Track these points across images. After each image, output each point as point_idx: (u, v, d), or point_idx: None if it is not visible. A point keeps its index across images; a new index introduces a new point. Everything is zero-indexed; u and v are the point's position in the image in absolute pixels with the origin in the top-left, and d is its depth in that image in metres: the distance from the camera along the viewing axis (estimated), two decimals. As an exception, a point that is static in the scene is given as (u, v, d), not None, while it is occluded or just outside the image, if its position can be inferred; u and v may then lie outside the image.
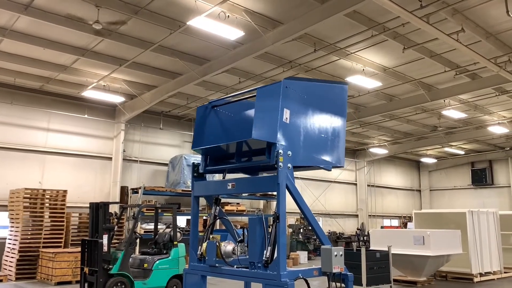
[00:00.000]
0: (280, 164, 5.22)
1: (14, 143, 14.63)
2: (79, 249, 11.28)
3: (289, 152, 5.35)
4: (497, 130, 20.37)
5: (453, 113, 17.88)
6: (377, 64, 13.49)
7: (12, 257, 12.49)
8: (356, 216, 26.59)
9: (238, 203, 18.74)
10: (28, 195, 12.80)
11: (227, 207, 17.76)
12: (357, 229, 24.57)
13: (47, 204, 13.13)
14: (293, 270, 5.19)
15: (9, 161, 14.49)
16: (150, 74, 13.94)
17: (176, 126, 18.96)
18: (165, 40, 11.31)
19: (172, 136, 18.84)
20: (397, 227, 27.10)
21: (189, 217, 16.82)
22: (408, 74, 14.43)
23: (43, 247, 12.60)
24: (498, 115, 19.39)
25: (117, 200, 15.91)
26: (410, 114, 19.00)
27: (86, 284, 9.19)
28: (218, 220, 6.60)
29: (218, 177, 15.69)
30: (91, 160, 16.36)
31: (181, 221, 17.34)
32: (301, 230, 20.28)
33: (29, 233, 12.62)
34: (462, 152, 27.74)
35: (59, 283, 11.50)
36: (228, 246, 5.73)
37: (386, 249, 11.21)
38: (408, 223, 25.84)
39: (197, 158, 6.17)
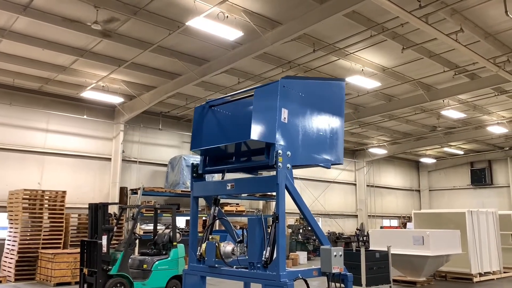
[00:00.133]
0: (280, 164, 5.21)
1: (13, 144, 14.62)
2: (78, 250, 11.27)
3: (288, 153, 5.35)
4: (496, 130, 20.39)
5: (452, 113, 17.88)
6: (376, 64, 13.49)
7: (11, 258, 12.47)
8: (356, 216, 26.59)
9: (237, 204, 18.73)
10: (27, 196, 12.78)
11: (226, 208, 17.75)
12: (357, 229, 24.57)
13: (46, 205, 13.11)
14: (292, 271, 5.18)
15: (8, 162, 14.47)
16: (149, 74, 13.94)
17: (175, 126, 18.95)
18: (164, 41, 11.31)
19: (171, 137, 18.83)
20: (396, 227, 27.11)
21: (188, 218, 16.81)
22: (407, 74, 14.43)
23: (42, 248, 12.58)
24: (497, 115, 19.40)
25: (116, 201, 15.90)
26: (409, 114, 19.01)
27: (85, 285, 9.18)
28: (217, 221, 6.59)
29: (217, 177, 15.68)
30: (90, 161, 16.35)
31: (181, 221, 17.33)
32: (301, 231, 20.27)
33: (28, 234, 12.60)
34: (461, 152, 27.76)
35: (58, 284, 11.48)
36: (227, 247, 5.73)
37: (386, 249, 11.21)
38: (408, 223, 25.84)
39: (196, 159, 6.16)
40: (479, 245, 12.59)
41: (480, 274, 12.48)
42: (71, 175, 15.82)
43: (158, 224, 11.49)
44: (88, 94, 14.71)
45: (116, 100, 15.34)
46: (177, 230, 10.44)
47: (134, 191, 16.23)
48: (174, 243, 10.12)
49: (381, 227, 26.16)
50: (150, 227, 14.71)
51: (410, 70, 14.04)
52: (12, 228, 12.95)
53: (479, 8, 10.05)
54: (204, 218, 16.43)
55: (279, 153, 5.24)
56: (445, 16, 10.10)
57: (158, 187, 16.92)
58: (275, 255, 5.14)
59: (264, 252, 5.22)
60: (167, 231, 10.49)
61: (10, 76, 13.91)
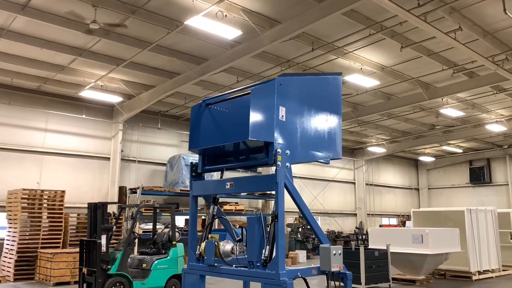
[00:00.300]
0: (279, 163, 5.21)
1: (12, 143, 14.60)
2: (77, 249, 11.27)
3: (288, 151, 5.35)
4: (495, 128, 20.40)
5: (451, 112, 17.89)
6: (375, 63, 13.50)
7: (10, 258, 12.46)
8: (355, 215, 26.61)
9: (236, 203, 18.74)
10: (26, 196, 12.76)
11: (225, 207, 17.75)
12: (356, 228, 24.59)
13: (45, 205, 13.09)
14: (292, 269, 5.18)
15: (7, 162, 14.45)
16: (147, 74, 13.92)
17: (174, 125, 18.94)
18: (163, 40, 11.30)
19: (170, 136, 18.82)
20: (395, 226, 27.14)
21: (187, 217, 16.80)
22: (406, 73, 14.44)
23: (42, 247, 12.56)
24: (496, 113, 19.42)
25: (116, 200, 15.89)
26: (408, 113, 19.02)
27: (84, 285, 9.17)
28: (216, 220, 6.58)
29: (216, 176, 15.68)
30: (89, 160, 16.33)
31: (180, 221, 17.32)
32: (300, 229, 20.28)
33: (27, 234, 12.59)
34: (460, 151, 27.78)
35: (57, 284, 11.47)
36: (226, 246, 5.72)
37: (385, 247, 11.25)
38: (407, 222, 25.90)
39: (195, 158, 6.15)
40: (478, 243, 12.61)
41: (479, 272, 12.51)
42: (70, 174, 15.80)
43: (157, 223, 11.48)
44: (86, 94, 14.70)
45: (115, 99, 15.33)
46: (176, 229, 10.43)
47: (133, 191, 16.23)
48: (174, 242, 10.12)
49: (380, 226, 26.20)
50: (149, 226, 14.70)
51: (409, 69, 14.05)
52: (11, 228, 12.93)
53: (478, 6, 10.05)
54: (203, 217, 16.43)
55: (278, 152, 5.23)
56: (444, 14, 10.10)
57: (157, 187, 16.92)
58: (274, 254, 5.13)
59: (264, 251, 5.21)
60: (166, 230, 10.48)
61: (9, 75, 13.89)
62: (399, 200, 29.84)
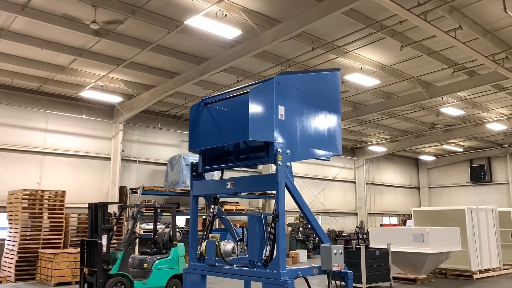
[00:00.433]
0: (279, 163, 5.20)
1: (12, 144, 14.60)
2: (78, 249, 11.27)
3: (288, 151, 5.34)
4: (496, 127, 20.38)
5: (451, 111, 17.88)
6: (375, 62, 13.49)
7: (11, 258, 12.47)
8: (355, 214, 26.61)
9: (237, 202, 18.74)
10: (27, 196, 12.77)
11: (226, 207, 17.75)
12: (356, 227, 24.58)
13: (45, 205, 13.10)
14: (292, 269, 5.18)
15: (7, 162, 14.46)
16: (148, 73, 13.92)
17: (175, 125, 18.94)
18: (163, 40, 11.30)
19: (171, 136, 18.82)
20: (396, 225, 27.14)
21: (188, 217, 16.80)
22: (406, 72, 14.43)
23: (42, 248, 12.57)
24: (496, 112, 19.41)
25: (116, 200, 15.90)
26: (409, 112, 19.01)
27: (85, 285, 9.17)
28: (217, 220, 6.58)
29: (217, 175, 15.68)
30: (89, 161, 16.34)
31: (181, 220, 17.33)
32: (301, 229, 20.28)
33: (28, 234, 12.60)
34: (461, 150, 27.77)
35: (58, 284, 11.48)
36: (227, 245, 5.72)
37: (386, 247, 11.25)
38: (407, 221, 25.91)
39: (196, 158, 6.15)
40: (479, 242, 12.61)
41: (480, 271, 12.50)
42: (70, 175, 15.81)
43: (158, 223, 11.49)
44: (87, 94, 14.70)
45: (115, 99, 15.32)
46: (177, 229, 10.43)
47: (134, 191, 16.23)
48: (174, 242, 10.12)
49: (381, 225, 26.19)
50: (150, 226, 14.71)
51: (409, 68, 14.04)
52: (12, 228, 12.95)
53: (478, 5, 10.05)
54: (204, 217, 16.44)
55: (279, 151, 5.23)
56: (444, 13, 10.10)
57: (157, 186, 16.92)
58: (275, 254, 5.13)
59: (264, 250, 5.21)
60: (167, 230, 10.49)
61: (9, 76, 13.89)
62: (399, 199, 29.84)
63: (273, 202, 20.00)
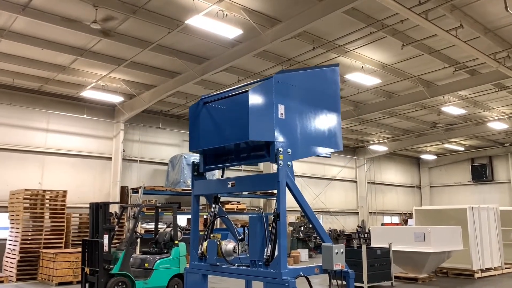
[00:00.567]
0: (280, 162, 5.20)
1: (13, 144, 14.62)
2: (79, 249, 11.28)
3: (289, 150, 5.33)
4: (497, 126, 20.36)
5: (453, 110, 17.86)
6: (376, 61, 13.48)
7: (13, 258, 12.49)
8: (357, 213, 26.60)
9: (238, 202, 18.74)
10: (28, 196, 12.79)
11: (227, 206, 17.76)
12: (358, 226, 24.58)
13: (47, 205, 13.12)
14: (294, 268, 5.18)
15: (8, 162, 14.47)
16: (148, 73, 13.93)
17: (176, 125, 18.94)
18: (164, 39, 11.30)
19: (172, 136, 18.82)
20: (397, 224, 27.12)
21: (189, 216, 16.81)
22: (407, 71, 14.42)
23: (44, 247, 12.59)
24: (498, 111, 19.38)
25: (117, 200, 15.90)
26: (410, 111, 18.99)
27: (87, 284, 9.18)
28: (218, 219, 6.58)
29: (218, 174, 15.69)
30: (90, 160, 16.35)
31: (182, 220, 17.33)
32: (302, 228, 20.27)
33: (30, 234, 12.61)
34: (462, 149, 27.74)
35: (60, 284, 11.49)
36: (229, 245, 5.72)
37: (387, 246, 11.24)
38: (409, 220, 25.85)
39: (197, 157, 6.15)
40: (480, 241, 12.59)
41: (482, 270, 12.49)
42: (71, 174, 15.82)
43: (159, 223, 11.49)
44: (88, 94, 14.71)
45: (116, 99, 15.33)
46: (178, 229, 10.44)
47: (135, 190, 16.24)
48: (176, 242, 10.13)
49: (382, 224, 26.17)
50: (151, 226, 14.72)
51: (410, 67, 14.02)
52: (13, 228, 12.96)
53: (479, 4, 10.03)
54: (205, 216, 16.44)
55: (280, 150, 5.22)
56: (445, 12, 10.08)
57: (158, 186, 16.93)
58: (276, 253, 5.13)
59: (266, 250, 5.21)
60: (168, 229, 10.49)
61: (10, 76, 13.90)
62: (401, 198, 29.81)
63: (274, 201, 19.99)
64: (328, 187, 24.95)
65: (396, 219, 29.02)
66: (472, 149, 28.09)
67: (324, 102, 6.06)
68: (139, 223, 14.61)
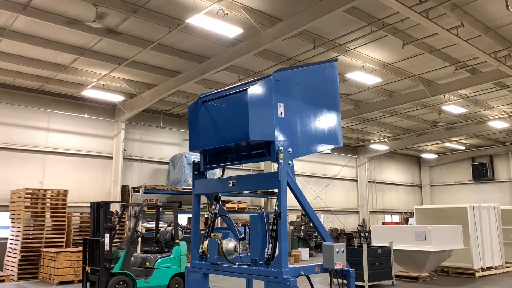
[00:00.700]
0: (281, 161, 5.19)
1: (14, 143, 14.63)
2: (80, 248, 11.29)
3: (290, 149, 5.33)
4: (498, 125, 20.35)
5: (453, 108, 17.86)
6: (376, 60, 13.47)
7: (14, 257, 12.51)
8: (357, 212, 26.60)
9: (239, 201, 18.75)
10: (29, 195, 12.81)
11: (228, 205, 17.76)
12: (358, 225, 24.58)
13: (48, 204, 13.13)
14: (295, 267, 5.18)
15: (9, 162, 14.49)
16: (149, 72, 13.93)
17: (176, 124, 18.95)
18: (164, 39, 11.29)
19: (172, 135, 18.83)
20: (398, 223, 27.12)
21: (190, 215, 16.82)
22: (408, 70, 14.41)
23: (45, 247, 12.61)
24: (498, 110, 19.37)
25: (118, 199, 15.92)
26: (410, 110, 18.98)
27: (88, 284, 9.20)
28: (219, 218, 6.58)
29: (219, 173, 15.69)
30: (91, 160, 16.36)
31: (183, 219, 17.35)
32: (303, 227, 20.29)
33: (31, 233, 12.63)
34: (463, 147, 27.73)
35: (61, 283, 11.52)
36: (229, 244, 5.72)
37: (388, 245, 11.24)
38: (409, 219, 25.85)
39: (198, 156, 6.14)
40: (481, 240, 12.59)
41: (482, 269, 12.49)
42: (72, 174, 15.83)
43: (160, 222, 11.50)
44: (88, 93, 14.71)
45: (117, 98, 15.34)
46: (179, 228, 10.45)
47: (136, 189, 16.25)
48: (176, 241, 10.14)
49: (383, 223, 26.17)
50: (152, 225, 14.71)
51: (410, 66, 14.02)
52: (14, 227, 12.98)
53: (480, 2, 10.02)
54: (206, 215, 16.44)
55: (280, 149, 5.22)
56: (446, 11, 10.07)
57: (159, 185, 16.94)
58: (277, 252, 5.13)
59: (266, 249, 5.21)
60: (169, 229, 10.50)
61: (11, 75, 13.91)
62: (401, 197, 29.81)
63: (275, 200, 19.99)
64: (328, 186, 24.95)
65: (396, 218, 29.02)
66: (472, 148, 28.08)
67: (324, 98, 6.04)
68: (140, 222, 14.62)
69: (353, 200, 26.64)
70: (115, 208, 14.34)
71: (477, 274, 12.22)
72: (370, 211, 26.86)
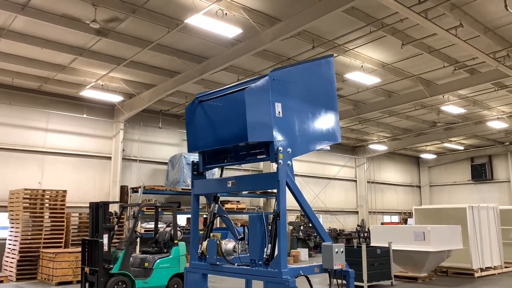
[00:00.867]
0: (280, 161, 5.19)
1: (13, 143, 14.60)
2: (79, 249, 11.27)
3: (289, 149, 5.32)
4: (496, 125, 20.37)
5: (452, 109, 17.87)
6: (375, 60, 13.47)
7: (12, 258, 12.48)
8: (356, 212, 26.60)
9: (238, 201, 18.74)
10: (28, 196, 12.78)
11: (227, 205, 17.75)
12: (358, 225, 24.56)
13: (47, 205, 13.11)
14: (294, 267, 5.17)
15: (8, 162, 14.46)
16: (148, 73, 13.92)
17: (175, 124, 18.94)
18: (163, 39, 11.28)
19: (171, 135, 18.81)
20: (397, 223, 27.12)
21: (189, 216, 16.81)
22: (407, 70, 14.41)
23: (44, 247, 12.59)
24: (497, 110, 19.38)
25: (117, 199, 15.90)
26: (409, 110, 18.99)
27: (87, 284, 9.18)
28: (218, 219, 6.57)
29: (217, 173, 15.67)
30: (90, 160, 16.34)
31: (181, 219, 17.34)
32: (302, 228, 20.28)
33: (29, 234, 12.61)
34: (462, 148, 27.75)
35: (60, 283, 11.49)
36: (228, 244, 5.71)
37: (387, 245, 11.24)
38: (408, 219, 25.88)
39: (196, 157, 6.13)
40: (480, 240, 12.59)
41: (481, 269, 12.49)
42: (71, 174, 15.81)
43: (159, 223, 11.49)
44: (87, 93, 14.69)
45: (116, 98, 15.32)
46: (178, 228, 10.43)
47: (135, 190, 16.23)
48: (175, 241, 10.12)
49: (382, 223, 26.18)
50: (151, 225, 14.72)
51: (409, 66, 14.02)
52: (13, 227, 12.96)
53: (479, 3, 10.03)
54: (205, 216, 16.42)
55: (279, 150, 5.21)
56: (445, 11, 10.08)
57: (158, 186, 16.92)
58: (276, 252, 5.12)
59: (265, 249, 5.20)
60: (168, 229, 10.49)
61: (9, 75, 13.89)
62: (400, 197, 29.82)
63: (274, 200, 19.98)
64: (327, 186, 24.95)
65: (395, 218, 29.03)
66: (471, 148, 28.10)
67: (321, 95, 6.01)
68: (139, 222, 14.61)
69: (352, 201, 26.65)
70: (114, 208, 14.32)
71: (476, 274, 12.22)
72: (369, 212, 26.87)
